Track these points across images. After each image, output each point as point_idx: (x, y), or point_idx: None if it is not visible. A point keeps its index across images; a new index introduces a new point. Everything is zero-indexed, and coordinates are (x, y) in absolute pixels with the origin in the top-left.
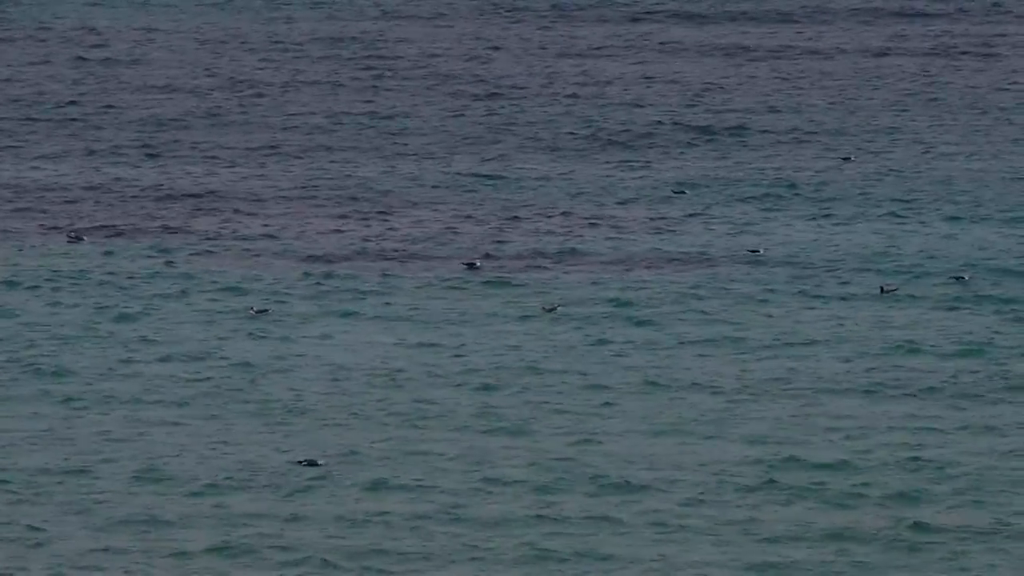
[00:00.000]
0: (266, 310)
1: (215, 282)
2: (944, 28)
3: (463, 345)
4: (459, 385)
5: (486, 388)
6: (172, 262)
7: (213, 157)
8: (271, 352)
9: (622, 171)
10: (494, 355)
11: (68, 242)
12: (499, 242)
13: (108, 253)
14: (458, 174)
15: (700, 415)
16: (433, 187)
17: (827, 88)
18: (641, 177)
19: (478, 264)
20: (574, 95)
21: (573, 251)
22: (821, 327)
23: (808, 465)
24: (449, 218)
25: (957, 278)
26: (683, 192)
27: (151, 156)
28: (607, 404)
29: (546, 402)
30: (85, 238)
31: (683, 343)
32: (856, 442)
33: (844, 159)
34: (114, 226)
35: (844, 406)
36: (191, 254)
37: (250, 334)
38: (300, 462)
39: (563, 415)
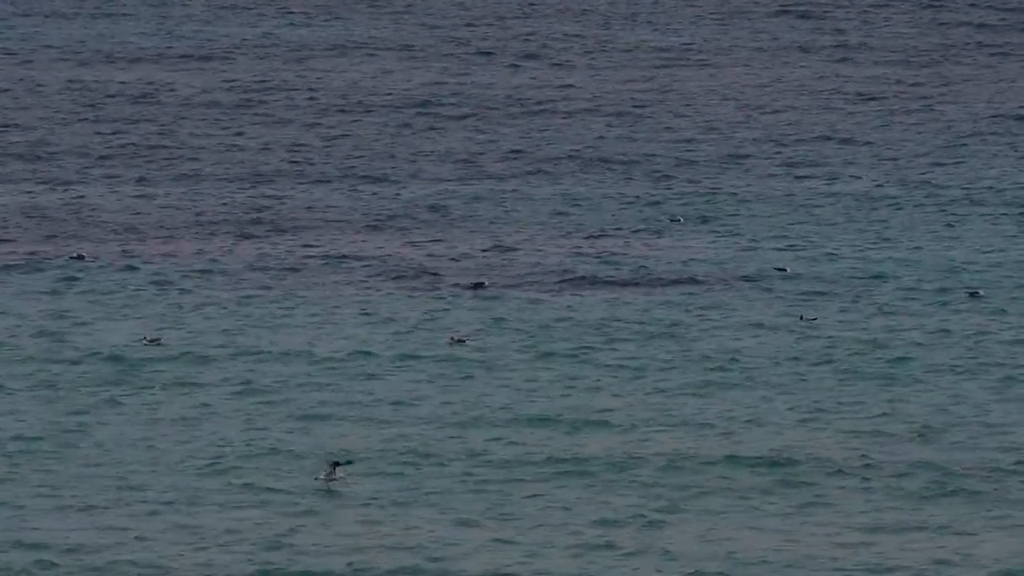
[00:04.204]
0: (157, 339)
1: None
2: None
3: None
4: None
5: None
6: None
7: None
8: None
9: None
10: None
11: (71, 259)
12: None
13: None
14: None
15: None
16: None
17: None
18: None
19: (486, 284)
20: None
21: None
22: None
23: None
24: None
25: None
26: (678, 220)
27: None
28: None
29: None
30: (86, 255)
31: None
32: None
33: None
34: None
35: None
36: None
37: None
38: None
39: None
